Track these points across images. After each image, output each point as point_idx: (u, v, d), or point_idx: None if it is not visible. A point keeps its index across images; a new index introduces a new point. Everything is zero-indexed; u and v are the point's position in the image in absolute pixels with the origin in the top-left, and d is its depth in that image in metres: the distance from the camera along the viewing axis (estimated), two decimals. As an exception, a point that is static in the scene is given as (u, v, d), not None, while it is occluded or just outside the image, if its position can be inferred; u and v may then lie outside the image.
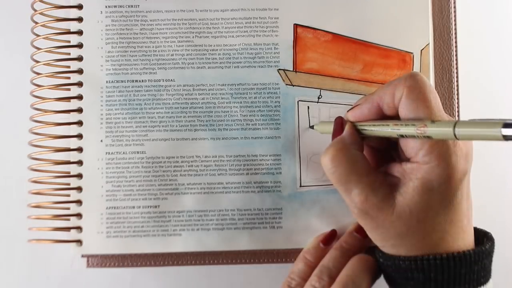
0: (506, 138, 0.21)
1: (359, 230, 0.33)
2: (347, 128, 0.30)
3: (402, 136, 0.26)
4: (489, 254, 0.28)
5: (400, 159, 0.29)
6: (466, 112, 0.37)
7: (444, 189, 0.26)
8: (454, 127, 0.23)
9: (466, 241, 0.28)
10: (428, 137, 0.25)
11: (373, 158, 0.31)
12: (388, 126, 0.27)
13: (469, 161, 0.27)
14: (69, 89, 0.36)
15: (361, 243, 0.33)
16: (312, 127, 0.35)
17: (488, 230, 0.30)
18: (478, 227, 0.30)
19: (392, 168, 0.28)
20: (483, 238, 0.29)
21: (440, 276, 0.27)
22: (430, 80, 0.36)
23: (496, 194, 0.41)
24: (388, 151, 0.31)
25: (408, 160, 0.27)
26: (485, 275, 0.28)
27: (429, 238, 0.27)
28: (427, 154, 0.26)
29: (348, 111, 0.31)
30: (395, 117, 0.28)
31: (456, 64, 0.36)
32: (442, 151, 0.26)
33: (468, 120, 0.23)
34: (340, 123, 0.30)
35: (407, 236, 0.27)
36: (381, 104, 0.28)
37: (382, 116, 0.29)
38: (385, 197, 0.27)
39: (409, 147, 0.27)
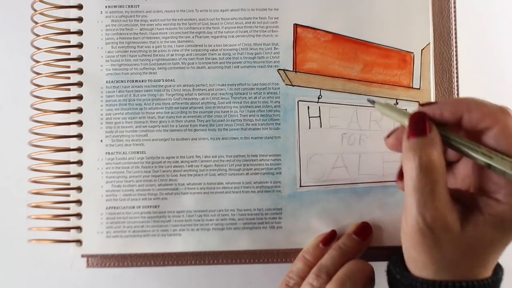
0: None
1: (358, 232, 0.33)
2: (435, 132, 0.26)
3: (489, 166, 0.25)
4: (500, 280, 0.28)
5: (465, 182, 0.28)
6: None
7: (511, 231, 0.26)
8: None
9: (486, 273, 0.27)
10: None
11: None
12: (478, 150, 0.25)
13: None
14: (69, 89, 0.36)
15: (360, 245, 0.33)
16: (372, 101, 0.31)
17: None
18: None
19: (465, 193, 0.27)
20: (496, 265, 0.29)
21: None
22: (430, 80, 0.36)
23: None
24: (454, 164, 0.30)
25: (484, 191, 0.26)
26: None
27: (467, 268, 0.26)
28: (508, 194, 0.25)
29: (424, 105, 0.28)
30: (471, 134, 0.26)
31: (456, 64, 0.36)
32: None
33: None
34: (424, 120, 0.27)
35: (458, 265, 0.26)
36: (465, 115, 0.26)
37: (456, 124, 0.27)
38: (456, 221, 0.26)
39: (492, 181, 0.26)
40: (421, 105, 0.28)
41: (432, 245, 0.26)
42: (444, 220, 0.25)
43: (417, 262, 0.27)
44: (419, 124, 0.26)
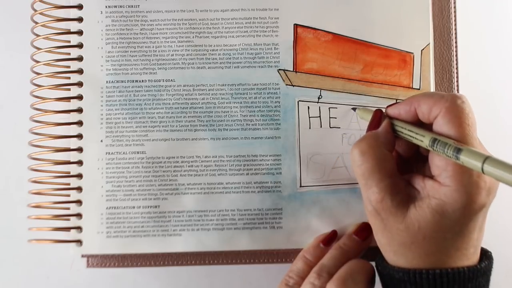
0: None
1: (358, 232, 0.33)
2: (384, 124, 0.30)
3: (433, 148, 0.26)
4: (484, 273, 0.28)
5: (425, 173, 0.29)
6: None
7: (457, 216, 0.26)
8: (484, 162, 0.23)
9: (468, 263, 0.28)
10: (457, 159, 0.25)
11: (400, 162, 0.31)
12: (422, 134, 0.27)
13: (491, 195, 0.27)
14: (69, 89, 0.36)
15: (360, 245, 0.33)
16: (354, 109, 0.35)
17: (488, 230, 0.30)
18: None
19: (415, 179, 0.28)
20: (483, 257, 0.29)
21: None
22: (430, 80, 0.36)
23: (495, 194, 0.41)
24: (415, 161, 0.31)
25: (432, 177, 0.27)
26: None
27: (431, 256, 0.27)
28: (448, 177, 0.26)
29: (388, 106, 0.31)
30: (429, 125, 0.28)
31: (456, 64, 0.36)
32: (464, 178, 0.26)
33: (499, 159, 0.23)
34: (378, 117, 0.30)
35: (410, 249, 0.27)
36: (418, 110, 0.28)
37: (417, 121, 0.29)
38: (400, 204, 0.27)
39: (435, 164, 0.27)
40: (387, 106, 0.31)
41: (383, 227, 0.28)
42: (387, 203, 0.27)
43: (382, 246, 0.29)
44: (372, 121, 0.31)
